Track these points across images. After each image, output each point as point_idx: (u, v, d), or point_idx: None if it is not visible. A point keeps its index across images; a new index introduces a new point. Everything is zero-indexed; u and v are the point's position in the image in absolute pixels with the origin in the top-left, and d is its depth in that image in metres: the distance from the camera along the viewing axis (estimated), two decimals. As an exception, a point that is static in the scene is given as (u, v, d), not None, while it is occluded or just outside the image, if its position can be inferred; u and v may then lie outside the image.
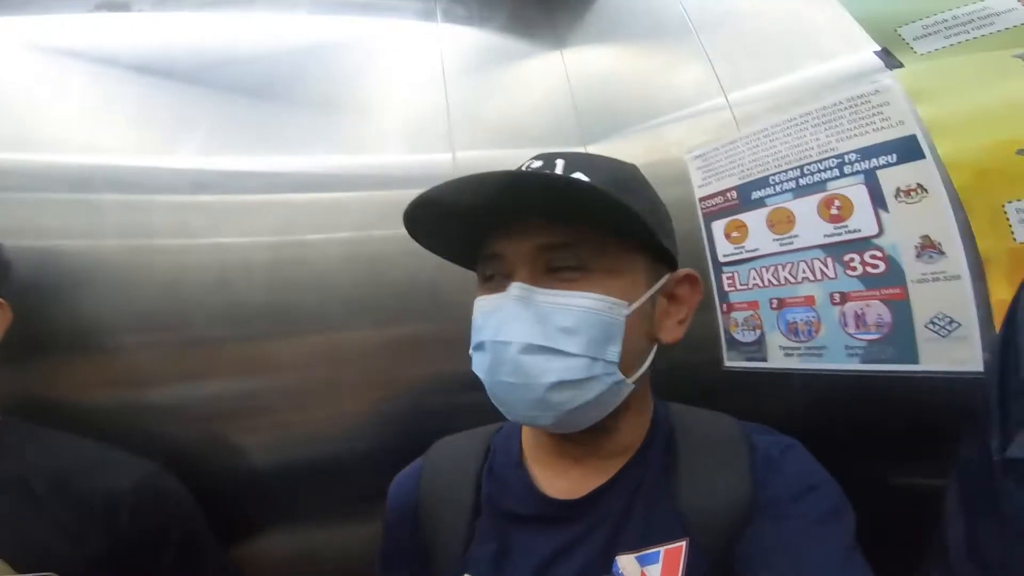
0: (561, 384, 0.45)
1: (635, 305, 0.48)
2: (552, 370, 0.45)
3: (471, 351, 0.52)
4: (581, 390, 0.46)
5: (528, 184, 0.46)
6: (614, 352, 0.46)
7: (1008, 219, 0.51)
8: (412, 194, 0.47)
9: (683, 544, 0.47)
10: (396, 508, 0.62)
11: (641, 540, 0.49)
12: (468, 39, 1.07)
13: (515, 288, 0.47)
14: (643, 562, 0.47)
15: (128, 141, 0.85)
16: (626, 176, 0.53)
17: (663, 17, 0.92)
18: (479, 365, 0.50)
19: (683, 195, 0.84)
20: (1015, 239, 0.51)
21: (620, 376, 0.47)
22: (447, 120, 0.97)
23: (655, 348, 0.52)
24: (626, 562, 0.48)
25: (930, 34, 0.57)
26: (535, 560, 0.50)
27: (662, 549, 0.48)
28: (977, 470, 0.42)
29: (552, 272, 0.47)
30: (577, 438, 0.52)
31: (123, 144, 0.85)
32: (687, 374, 0.80)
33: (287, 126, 0.93)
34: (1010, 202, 0.51)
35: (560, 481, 0.54)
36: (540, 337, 0.45)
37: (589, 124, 1.03)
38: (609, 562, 0.48)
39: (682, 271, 0.54)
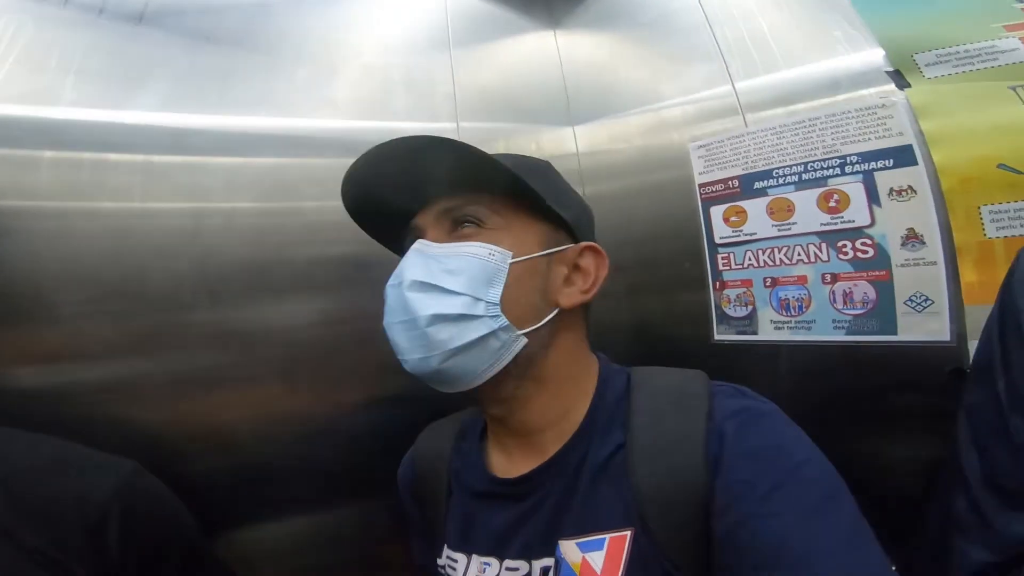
0: (440, 318, 0.48)
1: (522, 258, 0.51)
2: (432, 305, 0.49)
3: None
4: (461, 328, 0.48)
5: (397, 150, 0.51)
6: (495, 294, 0.49)
7: (981, 218, 0.64)
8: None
9: (627, 534, 0.45)
10: (402, 491, 0.66)
11: (584, 525, 0.47)
12: (472, 6, 1.04)
13: (416, 244, 0.53)
14: (585, 548, 0.46)
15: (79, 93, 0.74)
16: (529, 162, 0.58)
17: (669, 6, 0.97)
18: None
19: (679, 177, 0.91)
20: (985, 235, 0.64)
21: (504, 320, 0.49)
22: (452, 88, 0.94)
23: (556, 312, 0.52)
24: (568, 547, 0.47)
25: (941, 62, 0.68)
26: (492, 535, 0.52)
27: (608, 536, 0.45)
28: (987, 411, 0.52)
29: (454, 232, 0.53)
30: (491, 407, 0.55)
31: (71, 96, 0.73)
32: (675, 348, 0.89)
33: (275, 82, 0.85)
34: (985, 205, 0.64)
35: (505, 460, 0.56)
36: (425, 275, 0.50)
37: (579, 105, 1.06)
38: (552, 544, 0.48)
39: (583, 243, 0.56)
